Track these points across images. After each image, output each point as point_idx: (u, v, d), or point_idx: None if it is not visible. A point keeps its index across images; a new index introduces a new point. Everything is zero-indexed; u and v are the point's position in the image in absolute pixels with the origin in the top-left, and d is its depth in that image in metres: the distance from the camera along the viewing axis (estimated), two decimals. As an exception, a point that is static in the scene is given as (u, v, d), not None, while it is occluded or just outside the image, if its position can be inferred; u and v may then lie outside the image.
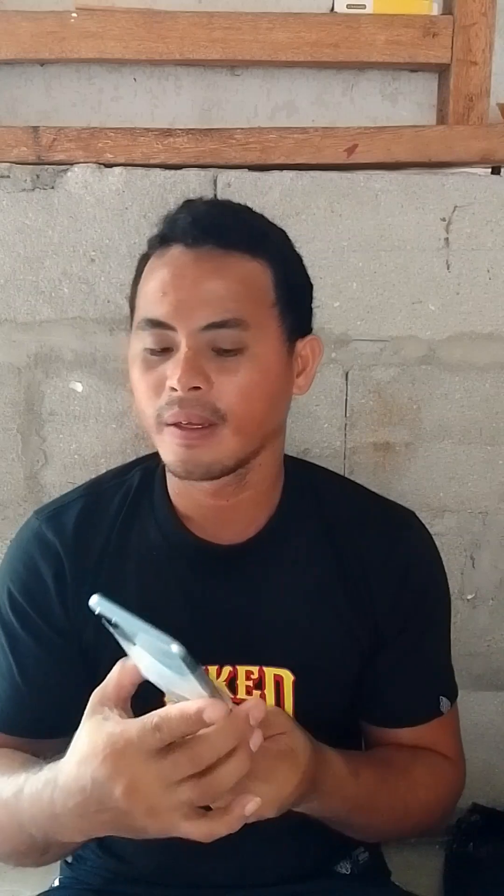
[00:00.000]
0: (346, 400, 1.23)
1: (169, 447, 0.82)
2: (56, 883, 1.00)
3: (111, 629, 0.65)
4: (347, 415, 1.24)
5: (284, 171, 1.18)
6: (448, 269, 1.20)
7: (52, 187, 1.17)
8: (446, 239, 1.20)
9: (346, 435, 1.24)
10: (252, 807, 0.65)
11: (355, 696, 0.94)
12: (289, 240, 0.92)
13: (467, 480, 1.26)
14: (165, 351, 0.82)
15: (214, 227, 0.83)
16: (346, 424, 1.24)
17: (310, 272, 0.93)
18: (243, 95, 1.28)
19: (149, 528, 0.92)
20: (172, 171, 1.17)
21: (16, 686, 0.90)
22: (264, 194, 1.17)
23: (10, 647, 0.91)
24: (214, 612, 0.90)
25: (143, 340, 0.83)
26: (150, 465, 0.97)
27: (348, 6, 1.20)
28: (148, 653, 0.65)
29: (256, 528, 0.91)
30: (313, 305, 0.94)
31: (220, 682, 0.87)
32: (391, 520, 0.97)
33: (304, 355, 0.90)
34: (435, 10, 1.21)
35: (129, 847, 0.95)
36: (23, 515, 1.03)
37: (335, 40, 1.19)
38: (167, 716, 0.63)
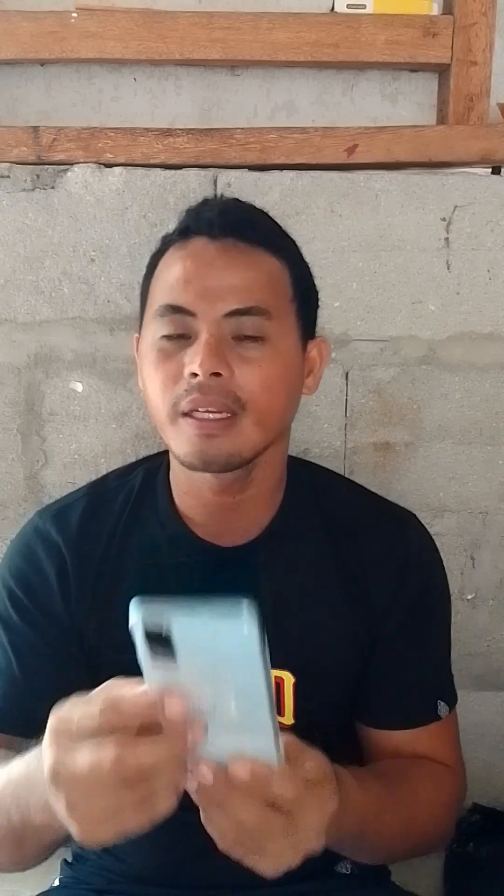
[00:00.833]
0: (346, 400, 1.23)
1: (186, 437, 0.81)
2: (56, 883, 1.00)
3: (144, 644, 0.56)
4: (347, 415, 1.24)
5: (284, 171, 1.18)
6: (448, 269, 1.20)
7: (52, 187, 1.17)
8: (446, 239, 1.20)
9: (346, 435, 1.24)
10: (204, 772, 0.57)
11: (354, 698, 0.94)
12: (297, 245, 0.93)
13: (467, 480, 1.26)
14: (183, 338, 0.81)
15: (239, 221, 0.84)
16: (346, 424, 1.24)
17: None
18: (243, 95, 1.28)
19: (152, 529, 0.92)
20: (172, 171, 1.17)
21: (13, 680, 0.90)
22: (264, 194, 1.17)
23: (8, 641, 0.91)
24: None
25: (159, 328, 0.82)
26: (153, 466, 0.97)
27: (348, 6, 1.20)
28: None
29: (259, 529, 0.91)
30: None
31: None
32: (391, 521, 0.97)
33: (313, 357, 0.91)
34: (435, 10, 1.21)
35: (130, 847, 0.95)
36: (23, 515, 1.04)
37: (335, 40, 1.19)
38: (116, 699, 0.57)
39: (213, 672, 0.55)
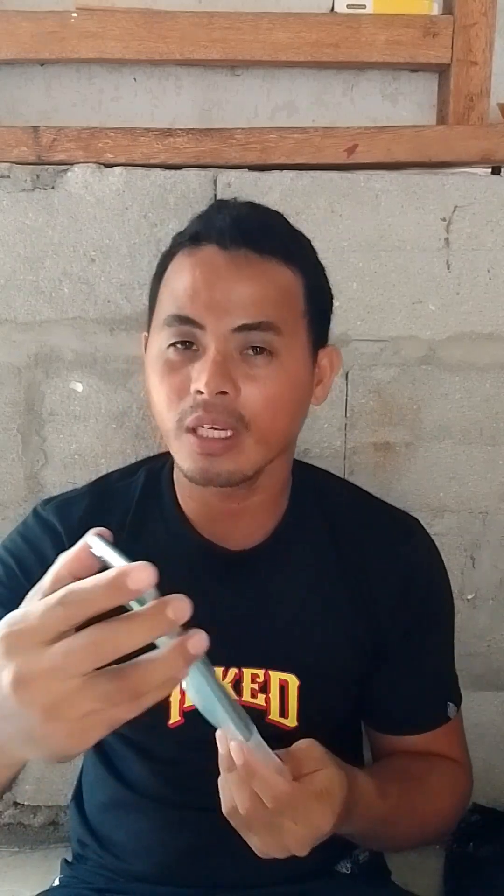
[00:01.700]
0: (346, 400, 1.23)
1: (189, 454, 0.80)
2: (56, 882, 1.00)
3: None
4: (347, 415, 1.24)
5: (284, 171, 1.18)
6: (448, 269, 1.20)
7: (52, 187, 1.17)
8: (446, 239, 1.20)
9: (346, 435, 1.24)
10: (197, 642, 0.51)
11: (359, 701, 0.94)
12: (314, 248, 0.91)
13: (467, 480, 1.26)
14: (189, 349, 0.81)
15: (252, 232, 0.82)
16: (346, 424, 1.24)
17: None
18: (243, 95, 1.28)
19: (158, 532, 0.92)
20: (172, 171, 1.17)
21: None
22: (264, 194, 1.17)
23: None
24: (222, 616, 0.89)
25: (166, 337, 0.82)
26: (156, 467, 0.97)
27: (348, 6, 1.20)
28: None
29: (264, 532, 0.91)
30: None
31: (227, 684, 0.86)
32: (395, 526, 0.97)
33: (324, 366, 0.89)
34: (435, 10, 1.21)
35: (130, 846, 0.95)
36: (23, 515, 1.03)
37: (335, 40, 1.19)
38: (76, 586, 0.49)
39: None
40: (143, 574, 0.48)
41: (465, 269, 1.20)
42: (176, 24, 1.18)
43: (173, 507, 0.92)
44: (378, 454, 1.25)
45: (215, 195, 1.17)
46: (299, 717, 0.89)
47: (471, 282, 1.21)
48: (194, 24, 1.18)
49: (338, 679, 0.92)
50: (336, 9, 1.20)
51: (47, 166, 1.17)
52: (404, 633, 0.92)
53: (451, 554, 1.26)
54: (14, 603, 0.88)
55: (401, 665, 0.93)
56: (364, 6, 1.20)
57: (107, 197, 1.17)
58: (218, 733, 0.63)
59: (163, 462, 0.96)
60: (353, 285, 1.20)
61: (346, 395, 1.23)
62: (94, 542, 0.53)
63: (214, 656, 0.86)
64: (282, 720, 0.89)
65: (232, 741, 0.63)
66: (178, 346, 0.81)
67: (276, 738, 0.69)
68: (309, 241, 0.91)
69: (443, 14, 1.21)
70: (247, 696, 0.89)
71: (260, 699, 0.90)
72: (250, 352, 0.80)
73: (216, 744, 0.65)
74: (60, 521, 0.92)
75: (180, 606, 0.49)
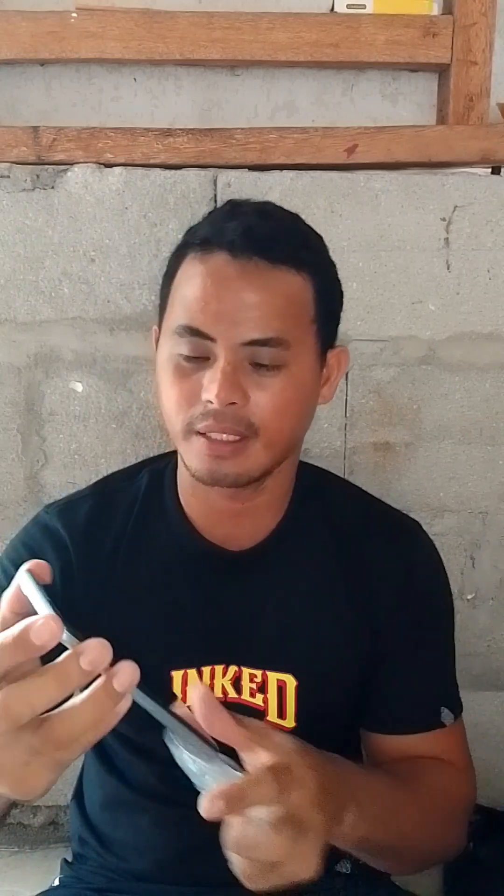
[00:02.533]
0: (347, 400, 1.23)
1: (197, 455, 0.82)
2: (56, 882, 1.00)
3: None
4: (347, 415, 1.24)
5: (284, 171, 1.18)
6: (448, 269, 1.20)
7: (52, 187, 1.17)
8: (446, 239, 1.20)
9: (346, 435, 1.24)
10: (123, 679, 0.50)
11: (356, 703, 0.94)
12: (325, 246, 0.91)
13: (467, 480, 1.26)
14: (200, 358, 0.81)
15: (263, 241, 0.81)
16: (346, 424, 1.24)
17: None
18: (243, 95, 1.28)
19: (160, 533, 0.92)
20: (172, 171, 1.17)
21: None
22: (264, 194, 1.17)
23: None
24: (222, 616, 0.90)
25: (177, 347, 0.82)
26: (158, 468, 0.97)
27: (348, 6, 1.20)
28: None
29: (266, 533, 0.91)
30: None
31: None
32: (396, 527, 0.97)
33: (331, 365, 0.90)
34: (435, 10, 1.21)
35: (130, 846, 0.95)
36: (23, 515, 1.04)
37: (335, 40, 1.19)
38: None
39: None
40: (45, 628, 0.48)
41: (464, 269, 1.20)
42: (176, 24, 1.18)
43: (175, 507, 0.92)
44: (378, 454, 1.25)
45: (215, 195, 1.17)
46: (297, 718, 0.89)
47: (471, 282, 1.21)
48: (194, 24, 1.18)
49: (336, 680, 0.92)
50: (336, 9, 1.20)
51: (47, 166, 1.17)
52: (401, 633, 0.92)
53: (451, 554, 1.26)
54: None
55: (394, 663, 0.92)
56: (364, 6, 1.20)
57: (107, 197, 1.17)
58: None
59: (165, 462, 0.96)
60: (353, 285, 1.20)
61: (346, 395, 1.23)
62: (24, 581, 0.53)
63: (214, 654, 0.86)
64: (280, 721, 0.89)
65: (201, 800, 0.56)
66: (190, 359, 0.82)
67: None
68: (321, 239, 0.91)
69: (443, 14, 1.21)
70: (246, 696, 0.89)
71: (258, 699, 0.90)
72: (259, 366, 0.81)
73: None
74: (65, 528, 0.92)
75: (96, 655, 0.48)
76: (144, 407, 1.22)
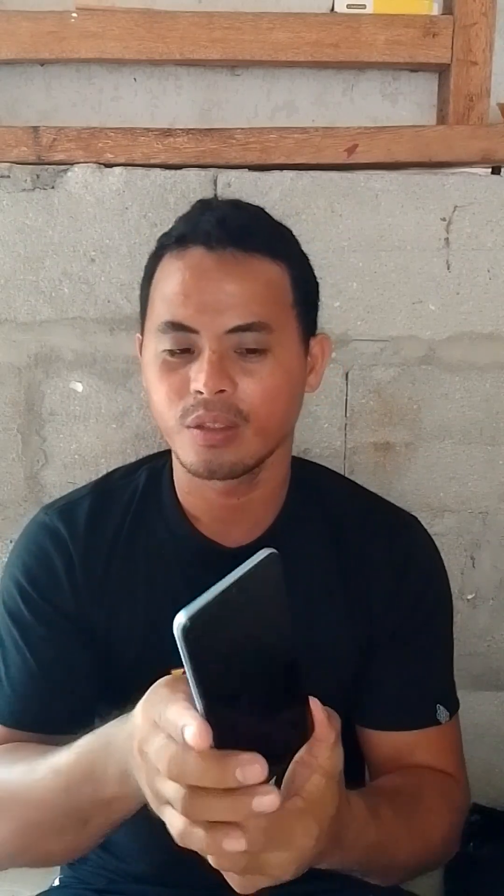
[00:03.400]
0: (346, 400, 1.23)
1: (191, 448, 0.82)
2: (56, 882, 1.00)
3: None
4: (347, 415, 1.24)
5: (284, 171, 1.18)
6: (448, 269, 1.20)
7: (52, 187, 1.17)
8: (446, 239, 1.20)
9: (346, 435, 1.24)
10: (231, 844, 0.54)
11: (351, 697, 0.94)
12: (296, 239, 0.92)
13: (467, 480, 1.26)
14: (185, 352, 0.82)
15: (237, 230, 0.83)
16: (346, 424, 1.24)
17: (311, 272, 0.93)
18: (243, 95, 1.28)
19: (158, 529, 0.93)
20: (172, 171, 1.17)
21: (32, 677, 0.89)
22: (264, 194, 1.17)
23: (23, 638, 0.90)
24: None
25: (162, 343, 0.83)
26: (157, 465, 0.97)
27: (348, 6, 1.20)
28: None
29: (262, 528, 0.92)
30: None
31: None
32: (394, 524, 0.97)
33: (315, 354, 0.91)
34: (435, 10, 1.21)
35: (130, 847, 0.95)
36: (23, 515, 1.04)
37: (335, 40, 1.19)
38: (167, 710, 0.56)
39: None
40: (254, 772, 0.51)
41: (465, 269, 1.20)
42: (176, 24, 1.18)
43: (173, 503, 0.93)
44: (378, 454, 1.25)
45: (215, 195, 1.17)
46: None
47: (471, 282, 1.21)
48: (194, 24, 1.18)
49: (332, 677, 0.91)
50: (336, 9, 1.20)
51: (47, 166, 1.17)
52: (396, 628, 0.92)
53: (451, 554, 1.26)
54: (36, 628, 0.90)
55: (390, 659, 0.92)
56: (364, 6, 1.20)
57: (107, 197, 1.17)
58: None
59: (164, 461, 0.97)
60: (353, 285, 1.20)
61: (346, 395, 1.23)
62: None
63: None
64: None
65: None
66: (176, 352, 0.83)
67: None
68: (292, 233, 0.93)
69: (443, 14, 1.21)
70: None
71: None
72: (244, 351, 0.82)
73: None
74: (66, 527, 0.93)
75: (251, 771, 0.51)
76: (144, 407, 1.22)
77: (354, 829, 0.68)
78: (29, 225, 1.18)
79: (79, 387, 1.22)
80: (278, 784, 0.57)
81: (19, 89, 1.27)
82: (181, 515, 0.92)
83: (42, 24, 1.17)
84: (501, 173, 1.21)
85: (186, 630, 0.51)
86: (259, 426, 0.82)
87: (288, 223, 0.96)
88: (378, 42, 1.19)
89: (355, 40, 1.19)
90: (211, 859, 0.56)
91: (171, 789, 0.54)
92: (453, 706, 0.95)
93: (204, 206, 0.89)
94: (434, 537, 1.00)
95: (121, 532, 0.93)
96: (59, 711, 0.87)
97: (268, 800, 0.52)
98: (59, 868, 1.02)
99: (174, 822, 0.55)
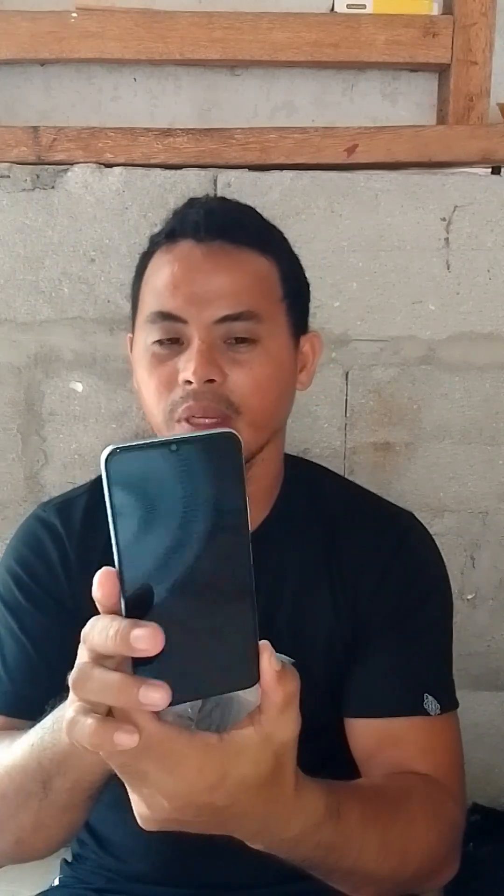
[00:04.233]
0: (346, 400, 1.23)
1: None
2: (56, 882, 1.00)
3: None
4: (347, 415, 1.24)
5: (284, 171, 1.18)
6: (448, 269, 1.20)
7: (52, 187, 1.17)
8: (446, 239, 1.20)
9: (346, 435, 1.24)
10: (122, 739, 0.48)
11: (339, 692, 0.92)
12: (286, 238, 0.93)
13: (467, 480, 1.26)
14: (175, 343, 0.82)
15: (225, 223, 0.84)
16: (346, 424, 1.24)
17: (310, 272, 0.94)
18: (243, 95, 1.28)
19: None
20: (172, 171, 1.17)
21: (30, 664, 0.88)
22: (264, 194, 1.17)
23: (19, 626, 0.90)
24: None
25: (151, 334, 0.83)
26: None
27: (348, 6, 1.20)
28: None
29: (255, 525, 0.91)
30: (313, 305, 0.95)
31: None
32: (385, 515, 0.96)
33: (306, 352, 0.91)
34: (435, 10, 1.21)
35: (129, 846, 0.95)
36: (23, 515, 1.03)
37: (335, 40, 1.19)
38: (84, 631, 0.51)
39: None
40: (151, 640, 0.46)
41: (464, 269, 1.20)
42: (176, 24, 1.18)
43: None
44: (378, 454, 1.25)
45: (215, 195, 1.17)
46: None
47: (470, 282, 1.21)
48: (194, 24, 1.18)
49: (320, 672, 0.91)
50: (336, 9, 1.20)
51: (47, 166, 1.17)
52: (384, 616, 0.89)
53: (450, 554, 1.26)
54: (33, 614, 0.89)
55: (378, 648, 0.88)
56: (364, 6, 1.20)
57: (106, 197, 1.17)
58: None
59: None
60: (353, 285, 1.20)
61: (346, 395, 1.23)
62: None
63: None
64: None
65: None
66: (164, 342, 0.83)
67: None
68: (281, 232, 0.93)
69: (443, 14, 1.21)
70: None
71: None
72: (233, 341, 0.82)
73: None
74: (62, 523, 0.93)
75: (145, 639, 0.46)
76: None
77: (301, 821, 0.59)
78: (29, 225, 1.18)
79: (78, 387, 1.22)
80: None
81: (19, 89, 1.27)
82: None
83: (41, 23, 1.17)
84: (501, 173, 1.21)
85: (109, 456, 0.45)
86: (251, 418, 0.82)
87: (288, 223, 0.96)
88: (378, 42, 1.19)
89: (355, 40, 1.19)
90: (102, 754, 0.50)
91: (78, 660, 0.51)
92: (447, 702, 0.89)
93: (192, 202, 0.91)
94: (434, 537, 1.00)
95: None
96: (55, 694, 0.87)
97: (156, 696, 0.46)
98: (58, 868, 1.02)
99: (68, 711, 0.51)
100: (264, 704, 0.51)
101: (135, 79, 1.28)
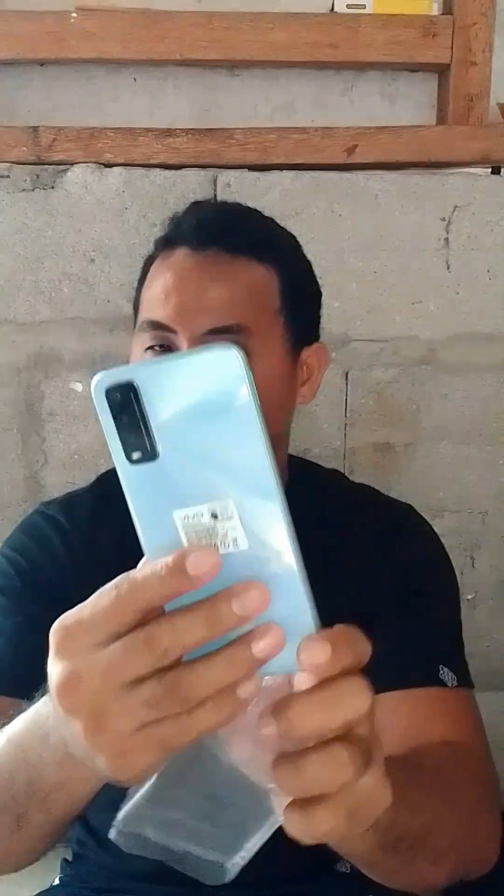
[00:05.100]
0: (346, 400, 1.23)
1: None
2: (56, 882, 1.00)
3: None
4: (347, 415, 1.24)
5: (284, 171, 1.18)
6: (448, 269, 1.20)
7: (52, 187, 1.17)
8: (446, 239, 1.20)
9: (346, 435, 1.24)
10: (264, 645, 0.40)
11: None
12: (299, 246, 0.91)
13: (467, 480, 1.26)
14: (166, 351, 0.82)
15: (220, 231, 0.83)
16: (346, 424, 1.24)
17: (310, 273, 0.93)
18: (243, 96, 1.28)
19: None
20: (172, 171, 1.17)
21: (22, 640, 0.85)
22: (264, 194, 1.17)
23: (13, 605, 0.87)
24: None
25: (143, 342, 0.84)
26: None
27: (348, 6, 1.20)
28: None
29: None
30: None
31: None
32: (386, 510, 0.96)
33: (310, 364, 0.89)
34: (435, 10, 1.21)
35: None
36: (22, 516, 1.04)
37: (335, 40, 1.19)
38: (129, 575, 0.44)
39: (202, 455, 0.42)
40: (205, 558, 0.40)
41: (464, 269, 1.20)
42: (175, 24, 1.18)
43: None
44: (377, 454, 1.25)
45: (215, 195, 1.17)
46: None
47: (470, 282, 1.21)
48: (194, 24, 1.18)
49: None
50: (336, 9, 1.20)
51: (47, 166, 1.17)
52: (393, 595, 0.87)
53: (450, 554, 1.25)
54: (29, 596, 0.87)
55: (388, 624, 0.82)
56: (364, 6, 1.20)
57: (106, 197, 1.17)
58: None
59: None
60: (352, 285, 1.20)
61: (346, 395, 1.23)
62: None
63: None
64: None
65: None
66: (156, 348, 0.83)
67: None
68: (291, 236, 0.91)
69: (442, 14, 1.21)
70: None
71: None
72: None
73: None
74: (66, 518, 0.92)
75: (250, 601, 0.40)
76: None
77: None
78: (28, 225, 1.18)
79: (78, 387, 1.22)
80: None
81: (19, 89, 1.27)
82: None
83: (41, 24, 1.17)
84: (501, 173, 1.21)
85: (98, 382, 0.40)
86: None
87: (288, 223, 0.96)
88: (377, 42, 1.19)
89: (355, 40, 1.19)
90: (167, 681, 0.40)
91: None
92: (462, 676, 0.87)
93: (193, 207, 0.90)
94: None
95: (126, 533, 0.92)
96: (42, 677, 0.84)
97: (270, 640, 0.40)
98: (58, 867, 1.02)
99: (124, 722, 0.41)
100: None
101: (135, 79, 1.28)
